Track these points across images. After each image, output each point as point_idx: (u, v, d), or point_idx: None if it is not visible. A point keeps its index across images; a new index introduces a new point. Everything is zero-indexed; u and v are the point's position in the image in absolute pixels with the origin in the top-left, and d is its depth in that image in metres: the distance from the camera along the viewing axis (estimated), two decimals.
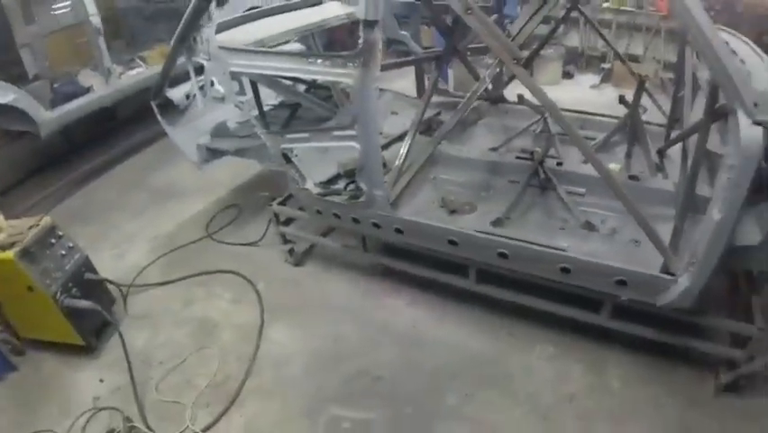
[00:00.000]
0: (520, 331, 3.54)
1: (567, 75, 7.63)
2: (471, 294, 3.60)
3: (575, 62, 7.78)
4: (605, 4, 7.17)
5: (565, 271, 2.92)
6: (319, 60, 3.05)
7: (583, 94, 7.05)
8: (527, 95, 3.67)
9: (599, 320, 3.13)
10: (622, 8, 7.07)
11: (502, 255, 3.06)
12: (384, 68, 3.20)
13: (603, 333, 3.29)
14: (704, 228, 2.44)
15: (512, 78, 5.00)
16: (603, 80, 7.37)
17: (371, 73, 2.82)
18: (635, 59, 6.99)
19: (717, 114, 2.35)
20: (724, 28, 3.19)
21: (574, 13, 7.32)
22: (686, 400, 3.02)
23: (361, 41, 2.77)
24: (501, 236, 3.07)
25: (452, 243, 3.20)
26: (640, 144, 3.68)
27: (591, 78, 7.55)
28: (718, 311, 3.03)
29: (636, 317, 3.07)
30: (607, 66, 7.36)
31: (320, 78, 3.56)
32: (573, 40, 7.77)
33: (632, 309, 3.00)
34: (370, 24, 2.73)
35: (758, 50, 2.89)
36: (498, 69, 3.20)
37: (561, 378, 3.24)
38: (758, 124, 2.14)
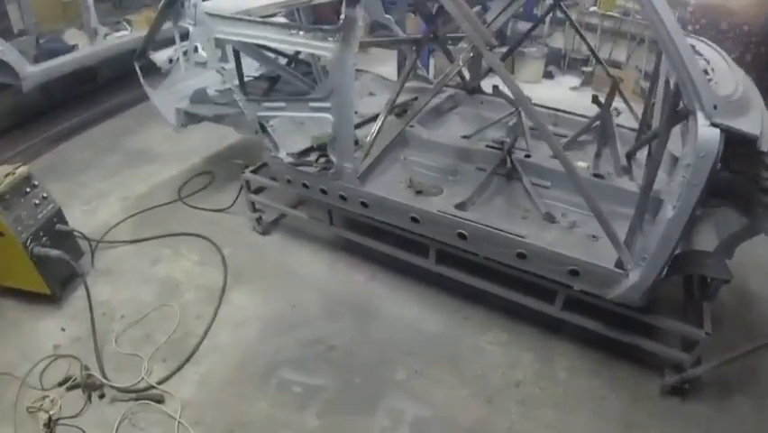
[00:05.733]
0: (476, 315, 3.58)
1: (548, 75, 7.59)
2: (430, 275, 3.64)
3: (557, 63, 7.74)
4: (592, 8, 7.14)
5: (521, 256, 2.97)
6: (302, 33, 3.08)
7: (563, 95, 7.05)
8: (503, 87, 3.72)
9: (551, 310, 3.19)
10: (609, 13, 7.05)
11: (461, 236, 3.11)
12: (363, 45, 3.24)
13: (555, 325, 3.36)
14: (658, 225, 2.49)
15: (490, 69, 5.13)
16: (584, 83, 7.29)
17: (350, 48, 2.89)
18: (617, 65, 7.02)
19: (679, 116, 2.40)
20: (698, 37, 3.26)
21: (561, 15, 7.38)
22: (630, 396, 3.06)
23: (342, 17, 2.83)
24: (462, 218, 3.09)
25: (414, 220, 3.26)
26: (609, 145, 3.70)
27: (572, 81, 7.52)
28: (671, 314, 3.01)
29: (587, 311, 3.10)
30: (588, 69, 7.28)
31: (301, 50, 3.59)
32: (558, 41, 7.75)
33: (583, 303, 3.04)
34: (352, 2, 2.80)
35: (728, 58, 2.94)
36: (471, 55, 3.25)
37: (510, 364, 3.28)
38: (715, 125, 2.20)
